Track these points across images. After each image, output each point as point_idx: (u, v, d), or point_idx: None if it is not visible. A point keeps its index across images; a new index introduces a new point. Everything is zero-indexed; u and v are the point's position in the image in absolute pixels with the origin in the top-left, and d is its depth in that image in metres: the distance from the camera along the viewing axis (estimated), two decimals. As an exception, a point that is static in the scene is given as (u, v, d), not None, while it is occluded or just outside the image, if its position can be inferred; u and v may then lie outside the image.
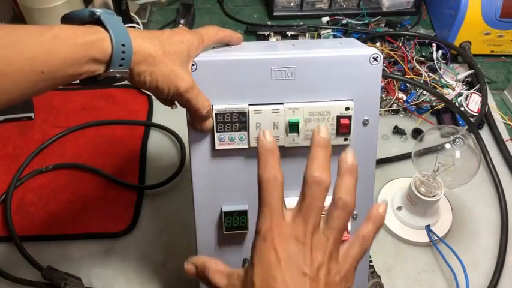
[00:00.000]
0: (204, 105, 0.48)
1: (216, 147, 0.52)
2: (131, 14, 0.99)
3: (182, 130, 0.83)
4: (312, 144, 0.41)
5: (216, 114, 0.51)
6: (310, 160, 0.40)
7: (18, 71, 0.38)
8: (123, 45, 0.42)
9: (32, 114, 0.87)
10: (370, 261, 0.65)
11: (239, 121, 0.51)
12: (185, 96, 0.47)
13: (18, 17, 1.01)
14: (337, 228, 0.39)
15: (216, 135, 0.52)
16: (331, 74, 0.51)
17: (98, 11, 0.43)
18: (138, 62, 0.44)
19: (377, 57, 0.51)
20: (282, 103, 0.51)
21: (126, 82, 0.46)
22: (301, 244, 0.38)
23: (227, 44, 0.56)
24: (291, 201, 0.54)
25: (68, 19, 0.44)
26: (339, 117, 0.51)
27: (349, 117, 0.52)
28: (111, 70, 0.42)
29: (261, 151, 0.41)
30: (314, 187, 0.39)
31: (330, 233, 0.39)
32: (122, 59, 0.42)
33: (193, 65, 0.50)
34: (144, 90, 0.84)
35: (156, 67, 0.45)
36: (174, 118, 0.84)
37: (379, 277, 0.65)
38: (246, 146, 0.53)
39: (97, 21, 0.43)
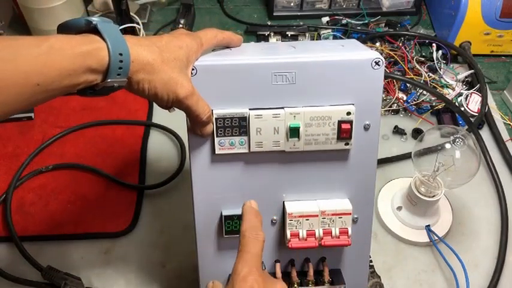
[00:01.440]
0: (204, 111, 0.48)
1: (216, 152, 0.52)
2: (131, 14, 0.98)
3: (182, 130, 0.83)
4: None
5: (216, 118, 0.51)
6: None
7: (13, 84, 0.37)
8: (121, 54, 0.41)
9: (32, 114, 0.87)
10: (370, 261, 0.65)
11: (239, 126, 0.51)
12: (185, 103, 0.46)
13: (18, 17, 1.01)
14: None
15: (216, 139, 0.52)
16: (333, 79, 0.51)
17: (95, 20, 0.42)
18: (136, 71, 0.43)
19: (379, 61, 0.50)
20: (282, 108, 0.51)
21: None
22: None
23: (227, 46, 0.55)
24: (292, 205, 0.54)
25: (64, 28, 0.43)
26: (340, 122, 0.51)
27: (351, 122, 0.51)
28: (109, 80, 0.42)
29: (248, 210, 0.49)
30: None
31: None
32: (120, 68, 0.42)
33: (193, 69, 0.49)
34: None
35: (155, 75, 0.44)
36: (174, 118, 0.82)
37: (379, 277, 0.65)
38: (246, 151, 0.52)
39: (94, 30, 0.42)
